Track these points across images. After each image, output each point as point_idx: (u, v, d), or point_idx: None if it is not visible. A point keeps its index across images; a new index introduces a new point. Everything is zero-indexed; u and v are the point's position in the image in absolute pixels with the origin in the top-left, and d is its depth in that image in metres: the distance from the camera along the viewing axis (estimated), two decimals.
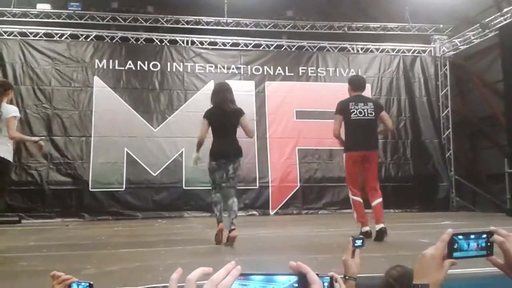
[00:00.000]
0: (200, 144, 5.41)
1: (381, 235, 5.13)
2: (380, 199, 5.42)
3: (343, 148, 5.75)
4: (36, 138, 6.00)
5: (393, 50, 11.30)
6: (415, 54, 11.35)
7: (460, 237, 1.03)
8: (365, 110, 5.48)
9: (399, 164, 10.64)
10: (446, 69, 11.31)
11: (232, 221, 5.11)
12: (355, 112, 5.47)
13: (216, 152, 5.24)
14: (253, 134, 5.38)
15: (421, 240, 5.03)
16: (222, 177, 5.29)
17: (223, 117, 5.22)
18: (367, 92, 10.59)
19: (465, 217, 8.65)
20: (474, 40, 10.35)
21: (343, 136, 5.62)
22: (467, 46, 10.63)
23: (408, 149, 10.77)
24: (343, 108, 5.56)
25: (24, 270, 3.86)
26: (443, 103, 11.25)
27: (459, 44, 10.80)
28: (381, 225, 5.20)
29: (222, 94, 5.34)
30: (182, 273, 0.83)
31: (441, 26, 11.11)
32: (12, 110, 4.94)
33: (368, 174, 5.60)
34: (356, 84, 5.75)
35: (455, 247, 1.02)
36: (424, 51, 11.41)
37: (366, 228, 5.29)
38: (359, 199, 5.49)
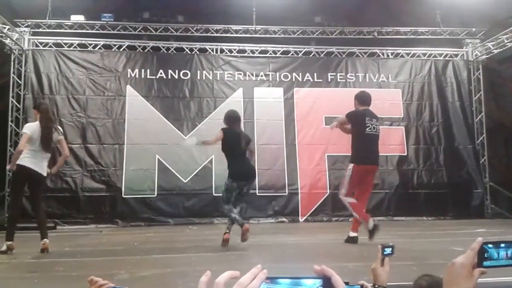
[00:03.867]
0: (206, 144, 6.24)
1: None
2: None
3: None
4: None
5: (424, 54, 11.13)
6: (447, 58, 11.15)
7: (490, 245, 1.02)
8: (376, 126, 5.86)
9: (432, 171, 10.43)
10: (479, 73, 11.06)
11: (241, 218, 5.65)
12: (369, 127, 5.79)
13: (237, 173, 5.66)
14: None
15: (455, 248, 4.93)
16: (237, 194, 5.77)
17: (237, 139, 5.73)
18: (398, 97, 10.60)
19: (501, 225, 8.42)
20: (507, 44, 10.09)
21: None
22: (501, 49, 10.37)
23: (441, 155, 10.54)
24: (357, 118, 5.87)
25: (60, 275, 3.98)
26: (476, 108, 10.99)
27: (492, 47, 10.56)
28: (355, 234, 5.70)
29: (233, 120, 5.92)
30: (210, 276, 0.86)
31: (474, 29, 10.89)
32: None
33: (365, 187, 5.93)
34: (364, 99, 6.08)
35: (485, 256, 1.02)
36: (456, 55, 11.19)
37: (372, 223, 5.53)
38: (353, 200, 5.77)
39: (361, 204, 5.77)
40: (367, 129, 5.75)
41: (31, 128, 5.45)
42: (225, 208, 5.74)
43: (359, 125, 5.83)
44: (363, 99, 6.03)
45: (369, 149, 5.78)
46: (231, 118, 5.92)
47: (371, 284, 1.61)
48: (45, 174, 5.47)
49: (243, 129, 6.26)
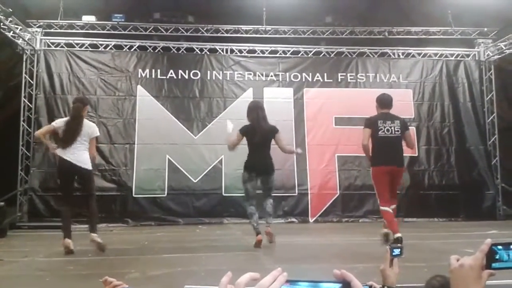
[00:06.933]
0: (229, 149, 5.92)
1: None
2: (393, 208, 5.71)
3: (370, 161, 6.01)
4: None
5: (435, 54, 11.05)
6: (458, 58, 11.06)
7: (500, 247, 1.01)
8: (392, 128, 5.76)
9: (443, 172, 10.35)
10: (491, 74, 10.95)
11: (267, 220, 5.61)
12: (382, 130, 5.75)
13: (250, 165, 5.65)
14: (287, 150, 5.74)
15: (466, 250, 4.88)
16: (254, 187, 5.68)
17: (259, 134, 5.60)
18: (409, 98, 10.53)
19: None
20: None
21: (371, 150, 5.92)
22: None
23: (452, 156, 10.46)
24: (372, 124, 5.84)
25: (71, 274, 4.02)
26: (488, 108, 10.89)
27: (504, 48, 10.45)
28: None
29: (256, 113, 5.72)
30: (231, 277, 0.87)
31: (485, 29, 10.79)
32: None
33: (390, 189, 5.80)
34: (383, 102, 5.98)
35: (495, 257, 1.01)
36: (468, 55, 11.10)
37: (397, 235, 5.42)
38: (387, 208, 5.66)
39: (390, 215, 5.64)
40: (379, 132, 5.73)
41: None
42: (246, 208, 5.66)
43: (373, 129, 5.81)
44: (381, 102, 5.98)
45: (385, 151, 5.70)
46: (251, 113, 5.74)
47: (380, 286, 1.61)
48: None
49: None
